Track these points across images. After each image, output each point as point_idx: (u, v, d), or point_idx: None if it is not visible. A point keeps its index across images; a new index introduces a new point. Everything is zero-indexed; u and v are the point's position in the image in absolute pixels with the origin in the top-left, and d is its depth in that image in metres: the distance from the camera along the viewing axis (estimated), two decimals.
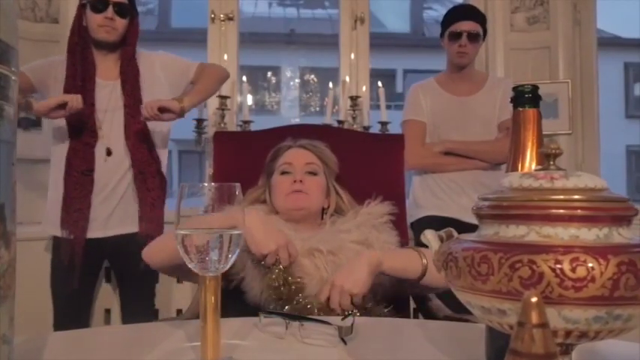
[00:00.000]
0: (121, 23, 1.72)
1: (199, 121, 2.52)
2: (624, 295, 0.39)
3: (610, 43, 10.09)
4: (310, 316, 0.87)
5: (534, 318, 0.32)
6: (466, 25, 2.09)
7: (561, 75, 2.74)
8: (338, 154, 1.37)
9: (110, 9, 1.70)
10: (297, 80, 9.15)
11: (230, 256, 0.63)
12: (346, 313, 0.87)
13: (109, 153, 1.70)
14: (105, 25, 1.70)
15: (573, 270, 0.39)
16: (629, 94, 11.48)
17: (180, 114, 1.69)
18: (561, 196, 0.44)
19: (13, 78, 0.45)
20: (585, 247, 0.41)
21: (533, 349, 0.31)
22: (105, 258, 1.83)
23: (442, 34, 2.16)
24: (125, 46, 1.76)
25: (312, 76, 8.79)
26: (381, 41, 8.92)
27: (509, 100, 0.65)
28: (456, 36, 2.09)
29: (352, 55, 2.73)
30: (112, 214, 1.73)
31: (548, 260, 0.40)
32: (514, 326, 0.32)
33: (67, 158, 1.70)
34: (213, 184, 0.65)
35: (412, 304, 1.38)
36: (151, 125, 1.76)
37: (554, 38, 2.76)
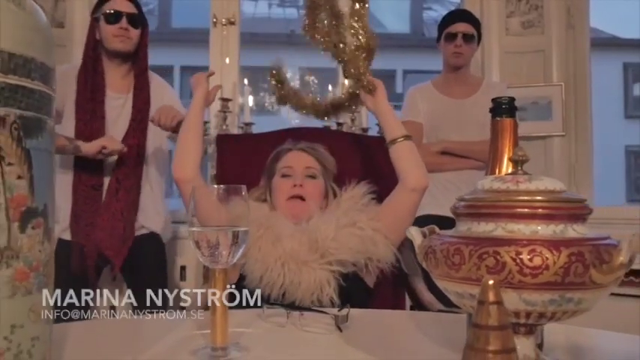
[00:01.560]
0: (134, 33, 1.78)
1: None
2: (574, 280, 0.47)
3: (609, 43, 10.09)
4: (309, 307, 0.94)
5: (491, 297, 0.39)
6: (461, 27, 2.18)
7: (555, 78, 2.80)
8: (336, 155, 1.44)
9: (124, 20, 1.75)
10: (297, 82, 9.20)
11: (237, 250, 0.70)
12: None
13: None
14: (120, 35, 1.75)
15: (531, 260, 0.46)
16: (628, 94, 11.47)
17: None
18: (525, 197, 0.51)
19: (53, 95, 0.52)
20: (543, 241, 0.48)
21: (489, 322, 0.38)
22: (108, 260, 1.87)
23: (439, 38, 2.25)
24: (138, 60, 1.82)
25: (312, 77, 8.85)
26: (381, 42, 8.93)
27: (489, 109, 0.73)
28: (451, 37, 2.18)
29: None
30: None
31: (510, 252, 0.47)
32: (475, 304, 0.39)
33: (74, 171, 1.73)
34: (222, 185, 0.72)
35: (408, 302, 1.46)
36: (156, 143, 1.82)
37: (548, 42, 2.82)
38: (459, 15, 2.27)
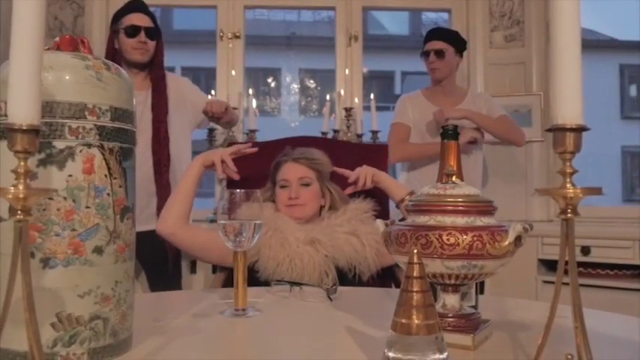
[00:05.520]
0: (151, 45, 2.01)
1: (210, 130, 2.87)
2: (476, 253, 0.72)
3: (606, 45, 10.24)
4: (307, 283, 1.20)
5: (415, 259, 0.64)
6: (432, 45, 2.46)
7: (535, 87, 3.04)
8: (332, 161, 1.67)
9: (142, 33, 1.97)
10: (296, 86, 9.45)
11: (254, 237, 0.96)
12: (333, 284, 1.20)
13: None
14: (139, 47, 1.98)
15: (448, 239, 0.72)
16: (624, 95, 11.64)
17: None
18: (449, 199, 0.77)
19: (135, 130, 0.77)
20: (457, 227, 0.73)
21: (414, 274, 0.64)
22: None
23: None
24: (155, 68, 2.04)
25: (312, 81, 9.10)
26: (380, 43, 9.15)
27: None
28: (426, 55, 2.47)
29: (347, 71, 3.06)
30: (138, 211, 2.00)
31: (435, 234, 0.73)
32: (407, 264, 0.65)
33: None
34: (243, 190, 0.98)
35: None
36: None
37: (529, 54, 3.06)
38: (430, 34, 2.52)
